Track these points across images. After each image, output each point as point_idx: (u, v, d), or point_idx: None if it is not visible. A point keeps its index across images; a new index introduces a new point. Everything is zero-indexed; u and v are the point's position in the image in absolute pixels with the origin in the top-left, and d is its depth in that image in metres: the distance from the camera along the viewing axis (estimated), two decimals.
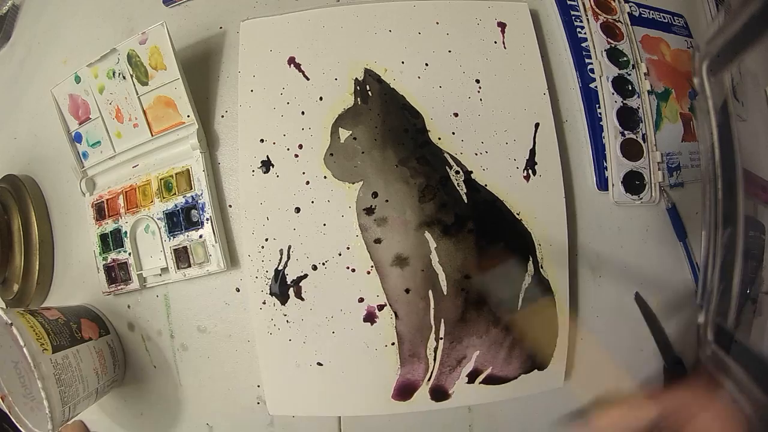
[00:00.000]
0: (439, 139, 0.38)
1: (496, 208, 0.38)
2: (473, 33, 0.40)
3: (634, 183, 0.40)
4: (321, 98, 0.39)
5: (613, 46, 0.41)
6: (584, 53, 0.41)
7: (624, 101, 0.40)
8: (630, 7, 0.44)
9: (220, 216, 0.40)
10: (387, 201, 0.38)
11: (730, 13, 0.16)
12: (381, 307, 0.37)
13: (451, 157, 0.38)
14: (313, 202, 0.38)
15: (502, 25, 0.40)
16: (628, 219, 0.41)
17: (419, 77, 0.39)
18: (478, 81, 0.39)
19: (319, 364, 0.38)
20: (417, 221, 0.37)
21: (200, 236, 0.39)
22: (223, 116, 0.41)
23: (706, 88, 0.18)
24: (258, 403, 0.40)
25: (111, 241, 0.42)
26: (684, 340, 0.40)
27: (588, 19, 0.42)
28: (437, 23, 0.40)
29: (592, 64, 0.41)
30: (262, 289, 0.38)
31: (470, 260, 0.37)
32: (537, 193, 0.39)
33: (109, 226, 0.42)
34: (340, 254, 0.38)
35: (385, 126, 0.38)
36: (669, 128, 0.42)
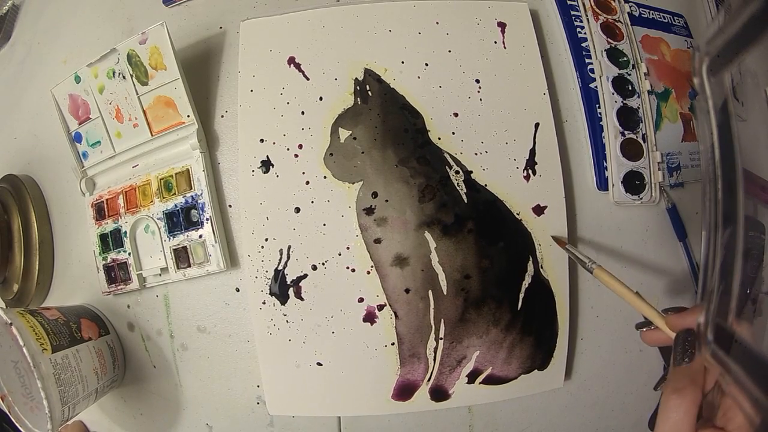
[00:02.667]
0: (439, 139, 0.38)
1: (496, 208, 0.38)
2: (473, 33, 0.40)
3: (634, 183, 0.40)
4: (321, 98, 0.39)
5: (613, 46, 0.41)
6: (584, 53, 0.41)
7: (624, 101, 0.40)
8: (630, 7, 0.44)
9: (220, 216, 0.40)
10: (387, 201, 0.38)
11: (730, 13, 0.16)
12: (381, 307, 0.37)
13: (451, 156, 0.38)
14: (313, 202, 0.38)
15: (502, 25, 0.40)
16: (628, 219, 0.41)
17: (419, 77, 0.39)
18: (478, 81, 0.39)
19: (319, 364, 0.38)
20: (417, 221, 0.37)
21: (200, 236, 0.39)
22: (223, 116, 0.41)
23: (706, 88, 0.18)
24: (258, 403, 0.40)
25: (111, 241, 0.42)
26: None
27: (588, 19, 0.42)
28: (437, 23, 0.40)
29: (592, 64, 0.41)
30: (262, 289, 0.38)
31: (470, 260, 0.37)
32: (537, 193, 0.39)
33: (108, 226, 0.42)
34: (339, 254, 0.38)
35: (385, 126, 0.38)
36: (669, 128, 0.42)
